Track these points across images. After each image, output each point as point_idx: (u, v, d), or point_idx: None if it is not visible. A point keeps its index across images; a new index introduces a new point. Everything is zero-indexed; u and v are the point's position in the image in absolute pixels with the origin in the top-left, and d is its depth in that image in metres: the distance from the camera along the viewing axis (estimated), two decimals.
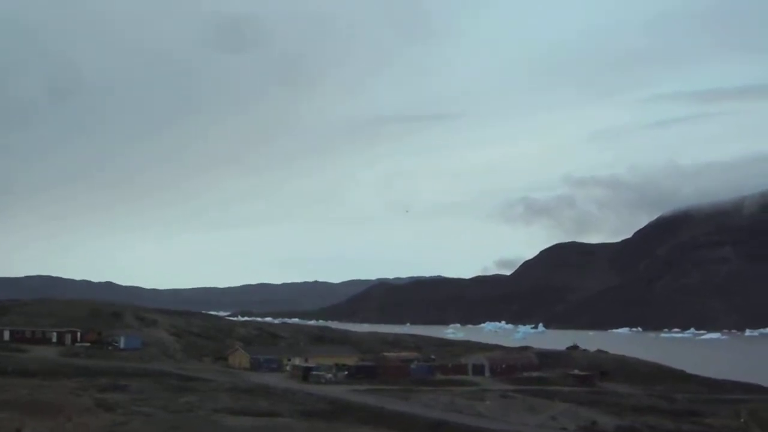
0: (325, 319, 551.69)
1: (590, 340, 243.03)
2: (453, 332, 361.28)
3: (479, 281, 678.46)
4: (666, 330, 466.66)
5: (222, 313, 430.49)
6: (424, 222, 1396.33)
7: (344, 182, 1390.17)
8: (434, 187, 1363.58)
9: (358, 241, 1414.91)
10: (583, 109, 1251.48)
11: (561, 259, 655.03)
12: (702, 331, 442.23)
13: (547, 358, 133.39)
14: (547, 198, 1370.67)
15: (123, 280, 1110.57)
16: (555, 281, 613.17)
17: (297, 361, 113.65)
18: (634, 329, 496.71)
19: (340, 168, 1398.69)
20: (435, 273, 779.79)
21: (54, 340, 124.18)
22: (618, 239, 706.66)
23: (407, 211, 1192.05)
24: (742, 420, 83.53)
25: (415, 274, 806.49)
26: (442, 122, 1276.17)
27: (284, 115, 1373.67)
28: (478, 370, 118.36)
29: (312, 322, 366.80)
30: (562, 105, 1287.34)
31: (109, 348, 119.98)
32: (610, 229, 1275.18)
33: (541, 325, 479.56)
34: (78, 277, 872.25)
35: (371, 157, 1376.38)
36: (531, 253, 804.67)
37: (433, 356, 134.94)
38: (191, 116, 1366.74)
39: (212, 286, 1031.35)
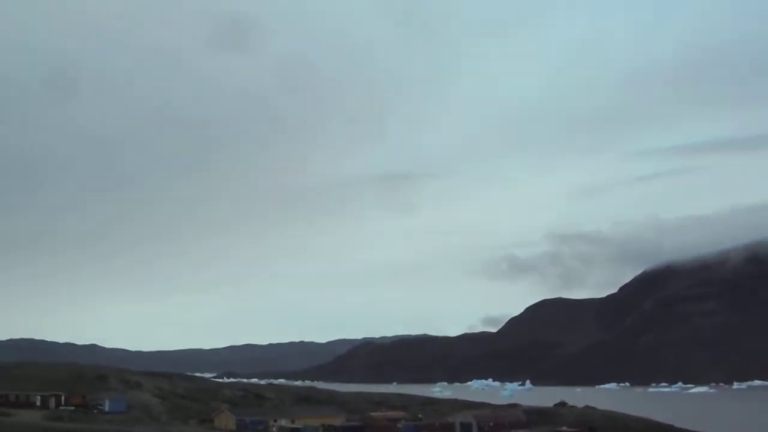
0: (311, 379, 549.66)
1: (578, 397, 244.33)
2: (440, 390, 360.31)
3: (466, 339, 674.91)
4: (654, 384, 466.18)
5: (207, 375, 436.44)
6: (408, 280, 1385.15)
7: (328, 241, 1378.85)
8: (417, 246, 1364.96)
9: (343, 300, 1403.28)
10: (565, 165, 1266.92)
11: (547, 315, 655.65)
12: (690, 385, 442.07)
13: (534, 415, 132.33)
14: (530, 254, 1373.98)
15: (107, 342, 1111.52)
16: (541, 337, 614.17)
17: (283, 422, 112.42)
18: (622, 384, 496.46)
19: (325, 227, 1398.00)
20: (421, 331, 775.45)
21: (38, 403, 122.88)
22: (603, 294, 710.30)
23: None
24: None
25: (401, 333, 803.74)
26: (424, 181, 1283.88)
27: (265, 173, 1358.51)
28: (466, 428, 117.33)
29: (298, 383, 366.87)
30: (543, 162, 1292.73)
31: (94, 411, 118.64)
32: (595, 284, 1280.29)
33: (528, 381, 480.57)
34: (62, 340, 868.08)
35: (355, 215, 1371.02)
36: (517, 309, 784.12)
37: (420, 415, 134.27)
38: (175, 174, 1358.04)
39: (197, 347, 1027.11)
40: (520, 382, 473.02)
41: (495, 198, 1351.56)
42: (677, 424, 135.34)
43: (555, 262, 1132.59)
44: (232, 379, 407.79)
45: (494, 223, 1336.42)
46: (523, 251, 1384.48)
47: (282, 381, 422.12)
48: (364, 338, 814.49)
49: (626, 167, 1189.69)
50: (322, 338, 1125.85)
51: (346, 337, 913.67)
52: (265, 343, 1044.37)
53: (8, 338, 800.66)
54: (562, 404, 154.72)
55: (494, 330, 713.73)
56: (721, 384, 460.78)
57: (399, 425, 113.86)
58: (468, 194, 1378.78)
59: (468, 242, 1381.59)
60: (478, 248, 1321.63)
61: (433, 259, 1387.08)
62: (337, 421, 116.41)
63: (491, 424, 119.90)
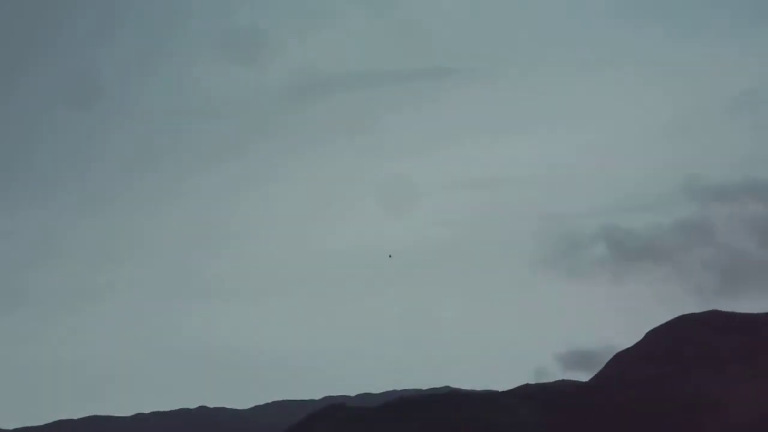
0: None
1: None
2: None
3: (527, 396, 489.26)
4: None
5: None
6: (408, 284, 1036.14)
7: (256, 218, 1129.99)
8: (425, 213, 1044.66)
9: (278, 329, 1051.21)
10: (721, 55, 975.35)
11: (689, 348, 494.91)
12: None
13: None
14: (653, 227, 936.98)
15: None
16: (677, 393, 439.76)
17: None
18: None
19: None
20: (438, 383, 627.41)
21: None
22: None
23: (390, 257, 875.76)
24: None
25: (398, 387, 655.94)
26: (430, 83, 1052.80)
27: None
28: None
29: None
30: (680, 48, 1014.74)
31: None
32: None
33: None
34: None
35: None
36: (629, 337, 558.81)
37: None
38: None
39: None
40: None
41: (579, 118, 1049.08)
42: None
43: (707, 240, 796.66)
44: None
45: (579, 167, 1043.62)
46: (638, 221, 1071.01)
47: None
48: (326, 399, 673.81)
49: None
50: (241, 402, 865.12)
51: (289, 398, 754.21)
52: (127, 413, 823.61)
53: None
54: None
55: (584, 378, 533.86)
56: None
57: None
58: (511, 106, 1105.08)
59: (526, 206, 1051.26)
60: (547, 218, 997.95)
61: (457, 241, 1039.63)
62: None
63: None
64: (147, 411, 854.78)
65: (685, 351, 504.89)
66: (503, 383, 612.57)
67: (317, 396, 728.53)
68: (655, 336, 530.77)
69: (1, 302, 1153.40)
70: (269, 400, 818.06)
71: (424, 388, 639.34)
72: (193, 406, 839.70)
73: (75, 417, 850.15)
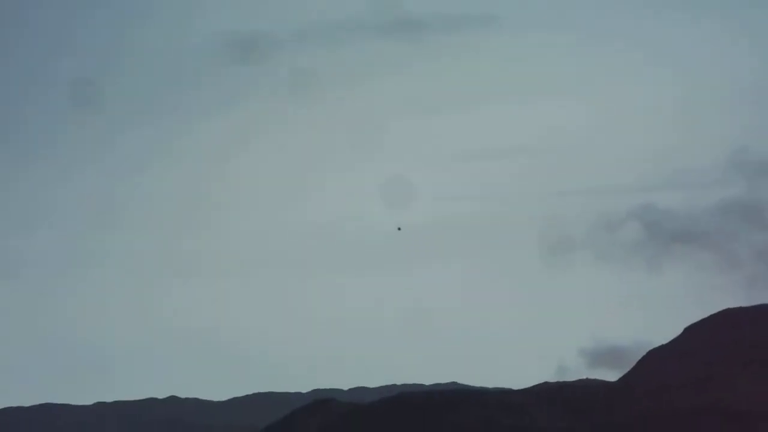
0: None
1: None
2: None
3: (547, 396, 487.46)
4: None
5: None
6: (413, 265, 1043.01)
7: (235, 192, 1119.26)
8: (433, 186, 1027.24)
9: (261, 312, 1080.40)
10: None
11: (734, 346, 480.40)
12: None
13: None
14: (695, 207, 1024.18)
15: None
16: (721, 396, 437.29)
17: None
18: None
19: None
20: (445, 379, 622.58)
21: None
22: None
23: (399, 229, 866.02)
24: None
25: (398, 381, 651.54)
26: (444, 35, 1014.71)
27: None
28: None
29: None
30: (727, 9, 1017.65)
31: None
32: None
33: None
34: None
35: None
36: (665, 333, 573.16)
37: None
38: None
39: None
40: None
41: (611, 82, 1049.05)
42: None
43: (754, 224, 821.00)
44: None
45: (611, 137, 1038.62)
46: (678, 201, 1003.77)
47: None
48: (314, 392, 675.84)
49: None
50: (216, 393, 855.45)
51: (272, 390, 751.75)
52: (87, 402, 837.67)
53: None
54: None
55: (613, 377, 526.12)
56: None
57: None
58: (546, 71, 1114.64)
59: (549, 180, 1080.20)
60: (573, 194, 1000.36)
61: (468, 218, 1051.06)
62: None
63: None
64: (109, 400, 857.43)
65: (730, 350, 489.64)
66: (519, 381, 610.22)
67: (304, 389, 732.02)
68: (695, 332, 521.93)
69: None
70: (249, 392, 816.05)
71: (427, 383, 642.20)
72: (161, 395, 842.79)
73: (26, 404, 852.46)
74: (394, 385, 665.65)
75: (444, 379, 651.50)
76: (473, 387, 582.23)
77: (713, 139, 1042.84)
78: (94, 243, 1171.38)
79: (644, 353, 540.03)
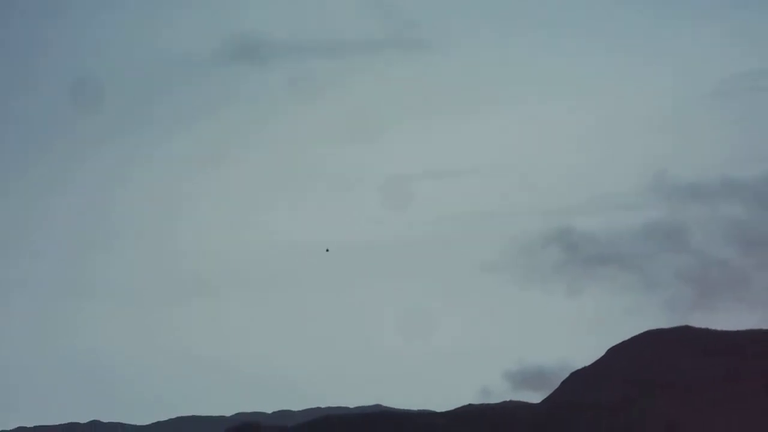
0: None
1: None
2: None
3: (472, 418, 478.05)
4: None
5: None
6: (337, 286, 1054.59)
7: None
8: (363, 209, 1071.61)
9: (187, 332, 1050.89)
10: (697, 42, 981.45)
11: (656, 367, 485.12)
12: None
13: None
14: (616, 229, 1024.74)
15: None
16: (642, 417, 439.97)
17: None
18: None
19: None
20: (368, 401, 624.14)
21: None
22: None
23: (327, 251, 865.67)
24: None
25: (322, 404, 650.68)
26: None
27: None
28: None
29: None
30: (648, 35, 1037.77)
31: None
32: None
33: None
34: None
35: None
36: (589, 354, 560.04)
37: None
38: None
39: None
40: None
41: (532, 99, 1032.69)
42: None
43: (675, 246, 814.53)
44: None
45: (536, 161, 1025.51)
46: (599, 223, 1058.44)
47: None
48: (238, 415, 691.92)
49: None
50: (140, 417, 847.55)
51: (195, 414, 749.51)
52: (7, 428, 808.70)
53: None
54: None
55: (536, 399, 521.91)
56: None
57: None
58: (477, 97, 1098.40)
59: (476, 202, 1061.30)
60: (497, 216, 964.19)
61: (394, 240, 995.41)
62: None
63: None
64: (30, 425, 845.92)
65: (652, 372, 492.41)
66: (443, 403, 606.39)
67: (228, 412, 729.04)
68: (617, 354, 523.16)
69: None
70: (173, 416, 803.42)
71: (351, 405, 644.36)
72: (84, 420, 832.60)
73: None
74: (318, 408, 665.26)
75: (368, 401, 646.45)
76: (397, 409, 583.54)
77: (633, 163, 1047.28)
78: (27, 263, 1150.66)
79: (567, 375, 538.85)
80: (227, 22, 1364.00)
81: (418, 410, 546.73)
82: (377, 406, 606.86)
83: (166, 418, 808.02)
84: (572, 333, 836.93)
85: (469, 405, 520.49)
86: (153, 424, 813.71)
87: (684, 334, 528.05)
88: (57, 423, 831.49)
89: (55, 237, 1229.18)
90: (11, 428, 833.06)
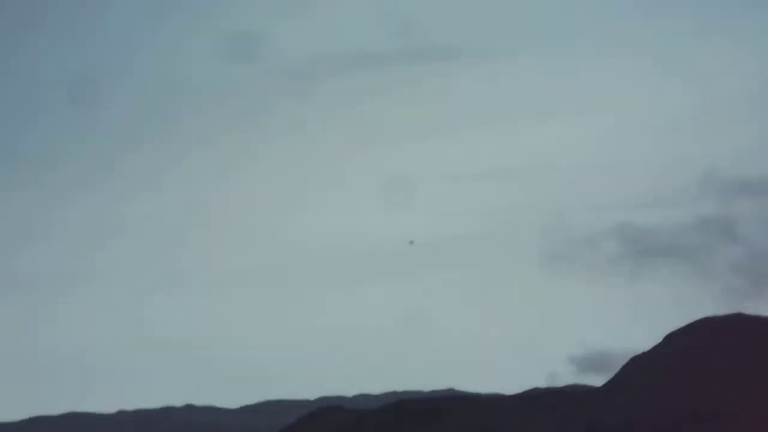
0: None
1: None
2: None
3: (538, 401, 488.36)
4: None
5: None
6: (413, 278, 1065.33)
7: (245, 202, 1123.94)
8: (428, 206, 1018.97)
9: (271, 322, 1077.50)
10: (746, 43, 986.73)
11: (711, 352, 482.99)
12: None
13: None
14: (671, 223, 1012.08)
15: None
16: (698, 400, 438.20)
17: None
18: None
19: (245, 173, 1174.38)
20: (441, 385, 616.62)
21: None
22: None
23: (412, 243, 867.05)
24: None
25: (399, 389, 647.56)
26: (434, 65, 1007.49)
27: None
28: None
29: None
30: (701, 36, 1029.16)
31: None
32: None
33: None
34: None
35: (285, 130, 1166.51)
36: (647, 340, 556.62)
37: None
38: None
39: None
40: None
41: (592, 103, 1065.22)
42: None
43: (730, 238, 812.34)
44: None
45: (593, 157, 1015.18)
46: (655, 217, 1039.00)
47: None
48: (321, 399, 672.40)
49: None
50: (230, 401, 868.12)
51: (282, 398, 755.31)
52: (109, 410, 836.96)
53: None
54: None
55: (598, 382, 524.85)
56: None
57: None
58: (524, 92, 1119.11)
59: (536, 198, 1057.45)
60: (558, 211, 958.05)
61: (458, 233, 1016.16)
62: None
63: None
64: (130, 408, 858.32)
65: (707, 357, 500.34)
66: (511, 387, 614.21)
67: (312, 396, 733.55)
68: (674, 339, 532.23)
69: None
70: (261, 400, 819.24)
71: (426, 389, 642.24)
72: (179, 404, 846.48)
73: (53, 413, 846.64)
74: (395, 392, 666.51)
75: (441, 385, 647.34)
76: (468, 392, 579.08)
77: (685, 160, 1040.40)
78: (115, 257, 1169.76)
79: (627, 359, 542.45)
80: None
81: (488, 393, 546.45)
82: (450, 389, 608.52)
83: (254, 402, 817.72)
84: (632, 320, 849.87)
85: (536, 388, 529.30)
86: (242, 407, 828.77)
87: (737, 321, 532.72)
88: (154, 406, 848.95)
89: (141, 232, 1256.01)
90: (113, 411, 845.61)
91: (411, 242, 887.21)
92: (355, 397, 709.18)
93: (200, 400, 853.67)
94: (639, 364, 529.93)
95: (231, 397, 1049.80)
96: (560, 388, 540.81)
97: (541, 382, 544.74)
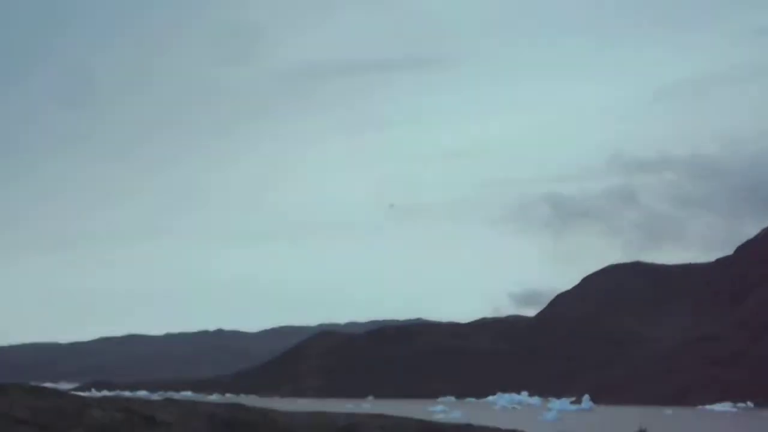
0: (236, 392, 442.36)
1: (668, 423, 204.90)
2: (444, 410, 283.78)
3: (485, 327, 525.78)
4: None
5: (65, 386, 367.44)
6: (392, 234, 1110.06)
7: (260, 175, 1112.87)
8: (407, 179, 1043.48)
9: (285, 267, 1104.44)
10: (641, 51, 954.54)
11: (617, 291, 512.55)
12: None
13: None
14: (588, 193, 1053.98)
15: None
16: (608, 327, 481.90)
17: None
18: (741, 405, 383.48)
19: (258, 151, 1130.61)
20: (412, 315, 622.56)
21: None
22: (711, 258, 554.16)
23: (392, 206, 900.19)
24: None
25: (380, 317, 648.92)
26: (416, 73, 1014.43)
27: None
28: None
29: (214, 397, 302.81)
30: (608, 47, 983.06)
31: None
32: (697, 241, 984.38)
33: (586, 398, 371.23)
34: None
35: (309, 127, 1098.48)
36: (568, 281, 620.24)
37: None
38: None
39: (48, 341, 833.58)
40: (572, 399, 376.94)
41: (527, 101, 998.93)
42: None
43: (630, 204, 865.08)
44: (105, 392, 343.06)
45: (527, 141, 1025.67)
46: (574, 187, 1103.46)
47: (188, 394, 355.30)
48: (321, 326, 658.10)
49: (741, 55, 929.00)
50: (252, 325, 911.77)
51: (292, 324, 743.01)
52: (159, 332, 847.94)
53: None
54: None
55: (531, 313, 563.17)
56: None
57: None
58: (483, 94, 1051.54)
59: (485, 173, 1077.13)
60: (501, 182, 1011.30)
61: (430, 201, 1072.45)
62: None
63: None
64: (175, 331, 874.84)
65: (614, 293, 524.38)
66: (465, 316, 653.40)
67: (313, 323, 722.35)
68: (589, 281, 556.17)
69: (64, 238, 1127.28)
70: (274, 326, 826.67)
71: (400, 318, 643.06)
72: (212, 328, 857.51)
73: (117, 335, 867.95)
74: (376, 320, 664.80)
75: (412, 315, 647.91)
76: (432, 321, 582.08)
77: (598, 145, 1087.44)
78: (182, 216, 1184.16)
79: (554, 296, 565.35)
80: None
81: (448, 321, 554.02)
82: (419, 319, 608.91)
83: (269, 327, 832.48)
84: (557, 266, 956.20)
85: (484, 318, 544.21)
86: (260, 331, 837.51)
87: (636, 267, 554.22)
88: (191, 330, 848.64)
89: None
90: (161, 333, 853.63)
91: (391, 205, 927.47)
92: (347, 324, 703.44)
93: (227, 325, 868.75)
94: (562, 300, 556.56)
95: (252, 323, 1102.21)
96: (502, 317, 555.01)
97: (488, 313, 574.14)
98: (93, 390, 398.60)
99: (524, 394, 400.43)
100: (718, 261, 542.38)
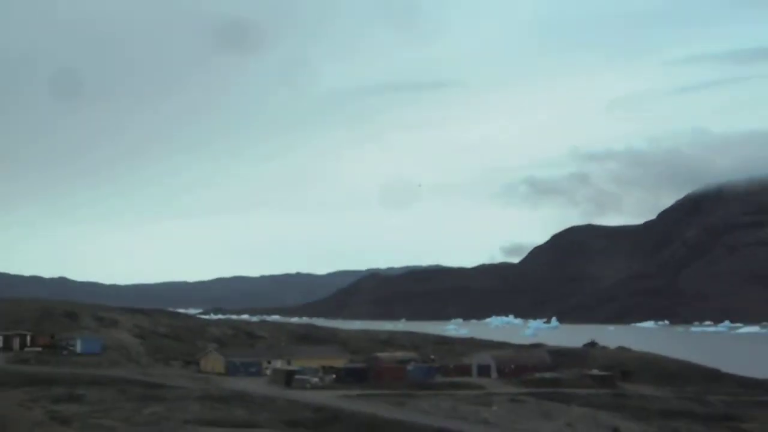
0: (310, 316, 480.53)
1: (610, 336, 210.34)
2: (455, 328, 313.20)
3: (483, 271, 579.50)
4: (697, 323, 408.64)
5: (192, 311, 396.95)
6: (419, 205, 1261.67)
7: (328, 162, 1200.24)
8: (430, 167, 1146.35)
9: (344, 228, 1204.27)
10: (598, 74, 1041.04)
11: (576, 244, 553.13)
12: (738, 324, 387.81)
13: (561, 356, 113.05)
14: (555, 176, 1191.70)
15: (78, 275, 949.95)
16: (569, 269, 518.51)
17: (278, 364, 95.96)
18: (661, 323, 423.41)
19: (323, 146, 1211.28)
20: (433, 262, 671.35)
21: (0, 344, 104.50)
22: (641, 221, 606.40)
23: (419, 185, 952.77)
24: None
25: (411, 264, 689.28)
26: (437, 92, 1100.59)
27: (256, 89, 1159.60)
28: (484, 371, 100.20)
29: (294, 320, 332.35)
30: (573, 70, 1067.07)
31: (64, 353, 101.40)
32: (631, 209, 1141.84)
33: (554, 319, 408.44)
34: (27, 273, 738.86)
35: (357, 133, 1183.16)
36: (541, 237, 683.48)
37: (432, 356, 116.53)
38: (156, 87, 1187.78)
39: (181, 280, 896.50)
40: (544, 320, 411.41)
41: (515, 112, 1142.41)
42: (723, 368, 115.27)
43: (585, 184, 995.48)
44: (220, 316, 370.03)
45: (514, 140, 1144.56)
46: (546, 172, 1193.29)
47: (276, 318, 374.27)
48: (369, 270, 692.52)
49: (670, 76, 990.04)
50: (321, 269, 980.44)
51: (349, 269, 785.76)
52: (257, 275, 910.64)
53: None
54: (592, 344, 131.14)
55: (516, 260, 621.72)
56: None
57: (408, 367, 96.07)
58: (485, 108, 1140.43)
59: (485, 162, 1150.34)
60: (496, 169, 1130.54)
61: (447, 181, 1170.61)
62: (339, 362, 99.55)
63: (512, 366, 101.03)
64: (267, 273, 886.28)
65: (573, 246, 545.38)
66: (471, 262, 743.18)
67: (363, 268, 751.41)
68: (556, 237, 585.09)
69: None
70: (337, 269, 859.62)
71: (424, 264, 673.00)
72: (293, 271, 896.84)
73: (227, 276, 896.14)
74: (409, 266, 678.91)
75: (432, 261, 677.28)
76: (447, 266, 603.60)
77: (560, 141, 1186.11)
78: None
79: (532, 248, 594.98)
80: None
81: (458, 266, 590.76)
82: (437, 264, 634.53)
83: (334, 270, 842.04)
84: (534, 226, 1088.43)
85: (483, 264, 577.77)
86: (326, 274, 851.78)
87: (590, 228, 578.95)
88: (278, 273, 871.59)
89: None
90: (258, 275, 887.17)
91: (419, 185, 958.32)
92: (387, 269, 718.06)
93: (303, 269, 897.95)
94: (537, 251, 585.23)
95: (321, 267, 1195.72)
96: (496, 263, 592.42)
97: (486, 260, 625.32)
98: (211, 314, 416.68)
99: (511, 317, 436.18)
100: (646, 223, 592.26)
